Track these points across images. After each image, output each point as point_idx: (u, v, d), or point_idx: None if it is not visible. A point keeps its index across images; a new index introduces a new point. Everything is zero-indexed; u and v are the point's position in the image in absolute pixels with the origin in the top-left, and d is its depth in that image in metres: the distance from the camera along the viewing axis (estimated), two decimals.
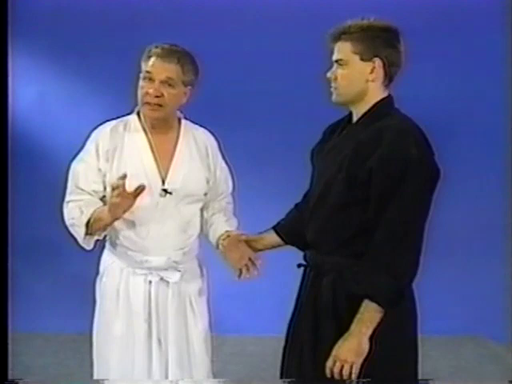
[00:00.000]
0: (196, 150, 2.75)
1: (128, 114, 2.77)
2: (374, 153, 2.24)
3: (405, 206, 2.23)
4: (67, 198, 2.70)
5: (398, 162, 2.22)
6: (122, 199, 2.46)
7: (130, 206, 2.50)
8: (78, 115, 5.03)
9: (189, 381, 2.70)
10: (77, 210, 2.63)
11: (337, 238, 2.36)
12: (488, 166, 5.05)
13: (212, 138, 2.85)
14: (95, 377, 2.75)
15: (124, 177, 2.44)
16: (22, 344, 4.48)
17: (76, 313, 4.85)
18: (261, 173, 4.93)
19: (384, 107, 2.35)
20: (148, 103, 2.61)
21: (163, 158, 2.68)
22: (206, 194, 2.79)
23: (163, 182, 2.66)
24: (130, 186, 2.49)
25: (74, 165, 2.71)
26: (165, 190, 2.65)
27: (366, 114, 2.35)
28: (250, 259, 2.66)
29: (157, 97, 2.59)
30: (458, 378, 4.30)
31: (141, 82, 2.62)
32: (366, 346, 2.25)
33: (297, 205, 2.69)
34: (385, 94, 2.37)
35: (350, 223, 2.32)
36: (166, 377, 2.69)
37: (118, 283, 2.70)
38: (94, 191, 2.66)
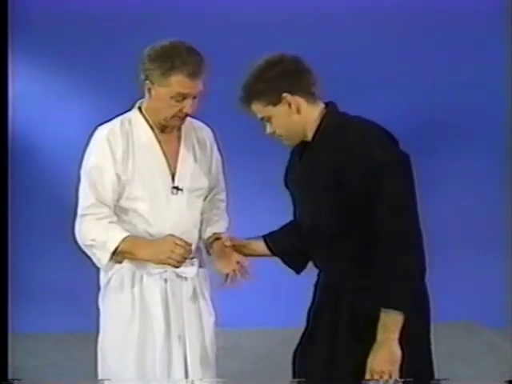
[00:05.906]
0: (198, 145, 2.71)
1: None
2: (343, 174, 2.23)
3: (392, 209, 2.21)
4: (83, 210, 2.53)
5: (368, 171, 2.21)
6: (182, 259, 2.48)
7: None
8: (71, 115, 5.01)
9: (205, 381, 2.64)
10: (100, 232, 2.49)
11: (341, 264, 2.37)
12: (489, 160, 5.07)
13: (209, 131, 2.81)
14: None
15: (190, 245, 2.49)
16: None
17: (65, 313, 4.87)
18: (250, 166, 4.90)
19: (330, 120, 2.34)
20: (181, 118, 2.54)
21: (171, 155, 2.62)
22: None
23: (173, 180, 2.61)
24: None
25: (88, 170, 2.54)
26: (176, 188, 2.60)
27: (316, 132, 2.34)
28: (238, 263, 2.61)
29: None
30: (451, 366, 4.28)
31: (168, 99, 2.48)
32: (398, 352, 2.24)
33: (291, 222, 2.63)
34: (320, 107, 2.36)
35: (350, 249, 2.32)
36: (187, 375, 2.61)
37: (131, 286, 2.60)
38: (113, 201, 2.55)
